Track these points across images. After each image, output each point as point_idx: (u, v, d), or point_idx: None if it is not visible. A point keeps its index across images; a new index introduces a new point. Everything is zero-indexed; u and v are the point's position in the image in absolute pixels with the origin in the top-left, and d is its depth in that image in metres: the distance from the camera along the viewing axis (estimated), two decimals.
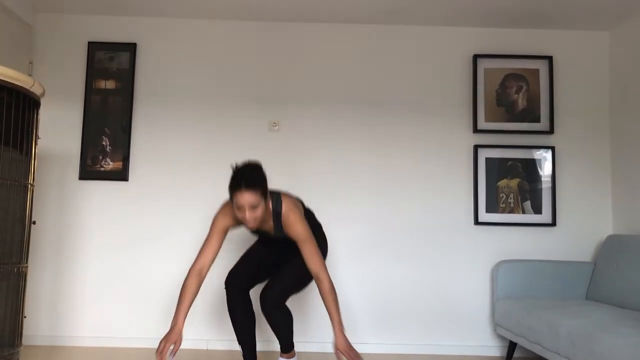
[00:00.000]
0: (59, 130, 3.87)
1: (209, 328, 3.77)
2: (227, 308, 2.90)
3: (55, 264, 3.80)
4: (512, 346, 3.50)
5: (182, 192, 3.86)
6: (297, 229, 2.60)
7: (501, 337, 3.75)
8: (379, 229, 3.84)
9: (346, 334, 2.53)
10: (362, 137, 3.90)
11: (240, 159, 3.86)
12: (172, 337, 2.42)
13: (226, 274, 3.48)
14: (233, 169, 2.55)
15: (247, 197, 2.43)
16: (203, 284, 3.75)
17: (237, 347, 3.70)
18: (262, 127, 3.90)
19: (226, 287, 2.90)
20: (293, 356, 2.97)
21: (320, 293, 2.56)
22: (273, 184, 3.86)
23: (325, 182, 3.87)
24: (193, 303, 2.63)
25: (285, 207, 2.63)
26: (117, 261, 3.81)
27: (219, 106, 3.91)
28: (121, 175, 3.84)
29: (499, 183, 3.85)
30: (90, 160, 3.84)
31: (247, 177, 2.45)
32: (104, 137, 3.86)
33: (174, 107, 3.91)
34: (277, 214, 2.64)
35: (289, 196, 2.75)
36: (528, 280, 3.57)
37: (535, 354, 3.22)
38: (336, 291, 2.59)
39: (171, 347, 2.40)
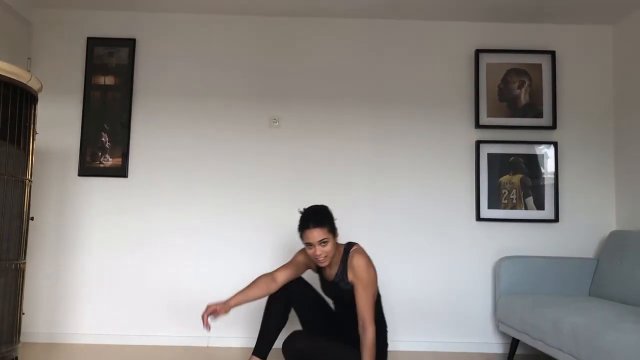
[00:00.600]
0: (58, 127, 3.85)
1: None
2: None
3: (54, 261, 3.77)
4: (514, 343, 3.48)
5: (182, 188, 3.84)
6: (360, 270, 2.61)
7: (503, 334, 3.72)
8: (378, 225, 3.81)
9: None
10: (363, 132, 3.87)
11: (240, 155, 3.85)
12: (218, 306, 2.67)
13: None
14: (301, 212, 2.70)
15: (315, 234, 2.58)
16: (207, 279, 3.75)
17: (237, 345, 3.70)
18: (262, 123, 3.87)
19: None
20: None
21: (361, 342, 2.55)
22: (273, 180, 3.84)
23: (325, 178, 3.84)
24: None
25: (356, 248, 2.71)
26: (117, 258, 3.79)
27: (218, 102, 3.89)
28: (121, 171, 3.81)
29: (501, 179, 3.81)
30: (90, 157, 3.82)
31: (314, 216, 2.63)
32: (103, 133, 3.83)
33: (174, 102, 3.88)
34: (346, 252, 2.70)
35: None
36: (530, 276, 3.54)
37: (538, 350, 3.18)
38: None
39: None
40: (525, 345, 3.61)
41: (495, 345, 3.73)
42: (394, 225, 3.81)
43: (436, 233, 3.81)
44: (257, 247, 3.80)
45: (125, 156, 3.82)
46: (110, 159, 3.82)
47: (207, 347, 3.70)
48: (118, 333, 3.73)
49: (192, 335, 3.72)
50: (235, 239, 3.80)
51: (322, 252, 2.60)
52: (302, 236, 2.65)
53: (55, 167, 3.83)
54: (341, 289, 2.69)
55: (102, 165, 3.82)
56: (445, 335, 3.75)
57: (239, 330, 3.74)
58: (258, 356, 2.75)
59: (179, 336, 3.73)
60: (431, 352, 3.67)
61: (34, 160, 2.71)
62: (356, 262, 2.63)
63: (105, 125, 3.84)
